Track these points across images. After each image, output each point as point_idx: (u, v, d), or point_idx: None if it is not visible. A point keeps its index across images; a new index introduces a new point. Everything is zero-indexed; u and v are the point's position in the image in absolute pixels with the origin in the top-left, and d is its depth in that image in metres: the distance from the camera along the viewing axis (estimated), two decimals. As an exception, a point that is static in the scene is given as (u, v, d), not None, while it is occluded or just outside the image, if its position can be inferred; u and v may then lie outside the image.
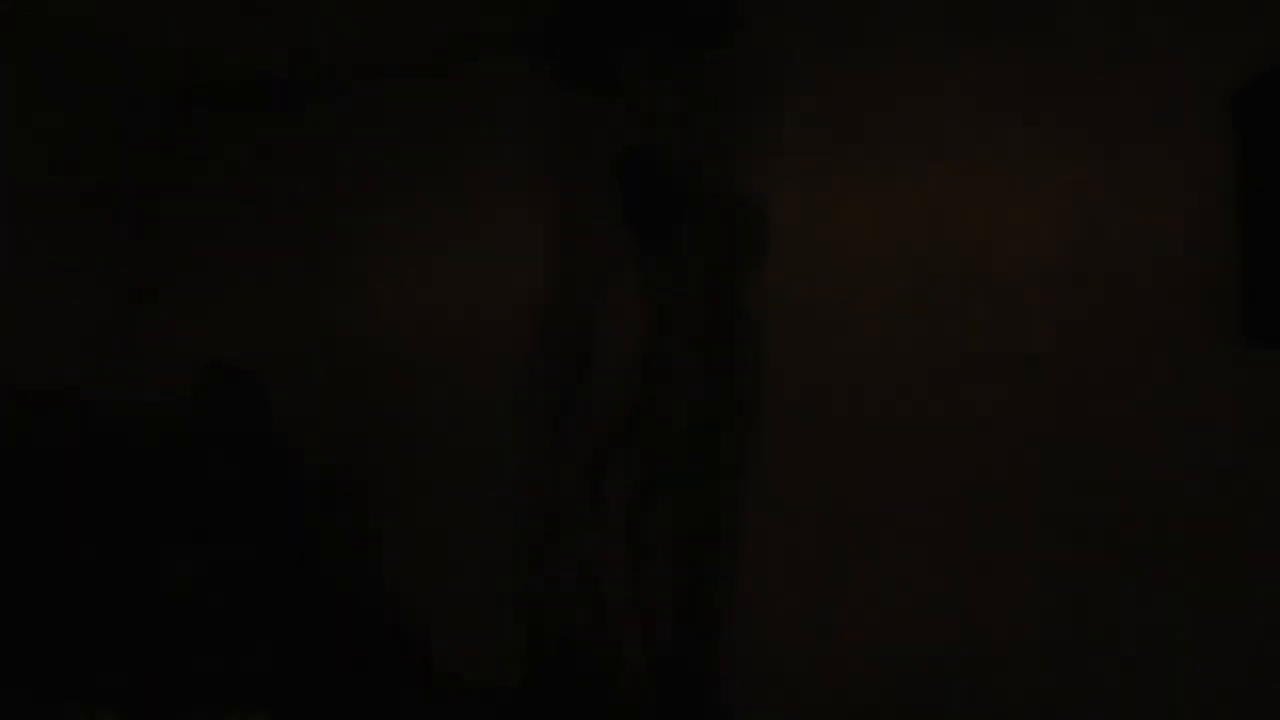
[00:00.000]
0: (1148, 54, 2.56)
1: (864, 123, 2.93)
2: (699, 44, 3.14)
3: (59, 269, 4.17)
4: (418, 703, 3.34)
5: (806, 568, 2.87)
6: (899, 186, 2.84)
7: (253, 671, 3.27)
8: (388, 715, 3.19)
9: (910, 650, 2.69)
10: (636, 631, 2.71)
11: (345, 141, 4.13)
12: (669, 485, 2.88)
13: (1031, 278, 2.63)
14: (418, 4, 3.42)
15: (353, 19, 3.57)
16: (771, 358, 2.99)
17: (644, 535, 2.75)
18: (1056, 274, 2.60)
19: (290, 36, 3.75)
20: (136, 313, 4.46)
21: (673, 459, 2.78)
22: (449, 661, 3.50)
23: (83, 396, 4.03)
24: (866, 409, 2.82)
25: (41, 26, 3.80)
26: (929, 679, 2.65)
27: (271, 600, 3.57)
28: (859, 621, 2.77)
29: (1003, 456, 2.62)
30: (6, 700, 2.91)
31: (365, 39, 3.74)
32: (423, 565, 3.67)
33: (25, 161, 4.06)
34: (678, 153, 3.12)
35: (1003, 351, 2.65)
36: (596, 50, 3.33)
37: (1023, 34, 2.72)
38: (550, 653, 3.13)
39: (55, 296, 4.14)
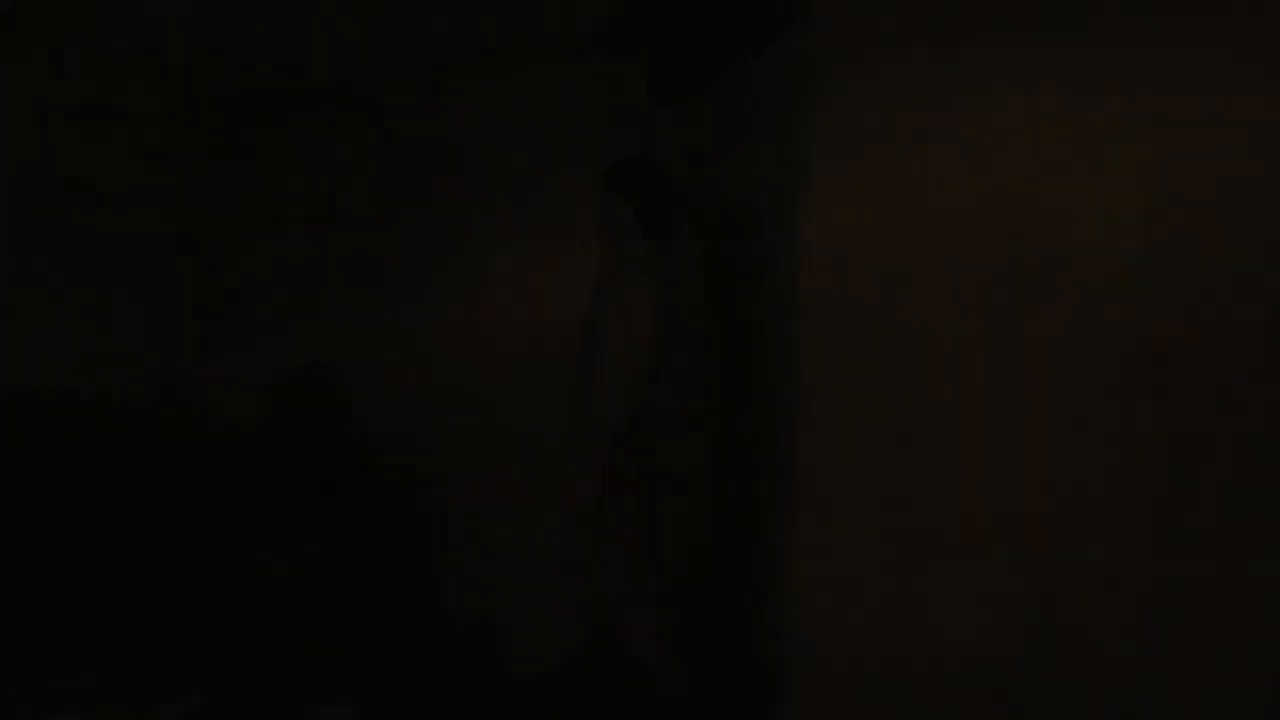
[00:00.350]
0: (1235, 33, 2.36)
1: (914, 115, 2.79)
2: (762, 42, 3.14)
3: (137, 274, 4.31)
4: (491, 698, 3.32)
5: (852, 572, 2.75)
6: (962, 181, 2.70)
7: (333, 668, 3.33)
8: (463, 710, 3.16)
9: (975, 659, 2.56)
10: (644, 632, 2.65)
11: (412, 149, 4.26)
12: (674, 487, 2.84)
13: (1111, 279, 2.49)
14: (490, 8, 3.49)
15: (421, 27, 3.66)
16: (808, 364, 2.88)
17: (646, 536, 2.70)
18: (1138, 275, 2.46)
19: (359, 45, 3.86)
20: (214, 317, 4.61)
21: (674, 462, 2.75)
22: (523, 660, 3.57)
23: (162, 400, 4.16)
24: (932, 408, 2.70)
25: (120, 35, 3.92)
26: (991, 694, 2.52)
27: (351, 598, 3.63)
28: (913, 630, 2.65)
29: (1078, 459, 2.49)
30: (96, 693, 2.96)
31: (436, 46, 3.84)
32: (493, 562, 3.75)
33: (106, 170, 4.20)
34: (688, 156, 3.17)
35: (1083, 352, 2.51)
36: (638, 55, 3.39)
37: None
38: (606, 649, 3.07)
39: (134, 302, 4.28)
